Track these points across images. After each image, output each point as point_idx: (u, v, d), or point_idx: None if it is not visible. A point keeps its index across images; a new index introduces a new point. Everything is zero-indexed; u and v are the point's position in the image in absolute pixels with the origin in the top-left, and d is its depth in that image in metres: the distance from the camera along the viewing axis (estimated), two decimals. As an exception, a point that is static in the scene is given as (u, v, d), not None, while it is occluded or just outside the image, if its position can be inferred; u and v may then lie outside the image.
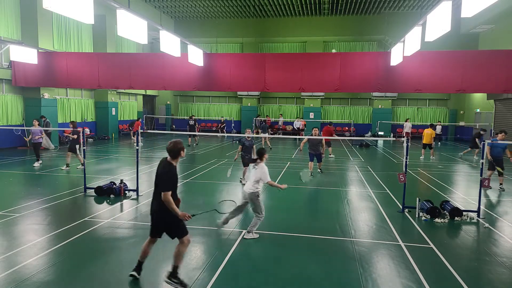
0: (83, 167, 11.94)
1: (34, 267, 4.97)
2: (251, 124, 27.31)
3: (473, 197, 9.23)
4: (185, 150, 4.66)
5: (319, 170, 12.68)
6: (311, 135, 12.48)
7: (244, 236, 6.20)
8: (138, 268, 4.71)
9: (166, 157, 4.55)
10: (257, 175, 6.10)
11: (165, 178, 4.37)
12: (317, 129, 12.51)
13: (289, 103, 31.40)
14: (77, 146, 12.62)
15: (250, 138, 10.65)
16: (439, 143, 22.97)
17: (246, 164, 10.41)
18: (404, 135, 23.25)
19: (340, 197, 9.29)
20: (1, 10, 16.93)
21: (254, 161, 6.33)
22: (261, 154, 6.32)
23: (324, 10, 26.15)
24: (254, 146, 10.62)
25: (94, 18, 8.12)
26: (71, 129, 12.55)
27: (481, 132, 16.52)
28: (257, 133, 18.45)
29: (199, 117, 31.24)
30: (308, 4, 24.82)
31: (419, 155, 17.37)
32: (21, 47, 15.63)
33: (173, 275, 4.51)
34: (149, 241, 4.73)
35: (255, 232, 6.27)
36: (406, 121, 24.99)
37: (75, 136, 12.44)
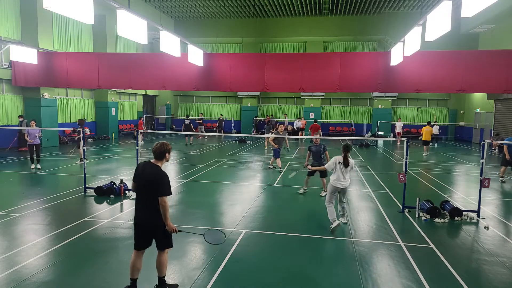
0: (82, 162, 12.89)
1: (34, 267, 4.97)
2: (251, 124, 27.41)
3: (473, 197, 9.23)
4: (171, 153, 4.44)
5: (271, 166, 13.17)
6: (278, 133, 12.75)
7: (341, 219, 6.97)
8: (133, 285, 4.26)
9: (150, 160, 4.33)
10: (350, 170, 6.79)
11: (164, 182, 4.10)
12: (282, 125, 13.06)
13: (289, 103, 31.40)
14: (81, 143, 13.12)
15: (318, 143, 9.44)
16: (436, 144, 22.93)
17: (312, 173, 9.33)
18: (396, 134, 23.75)
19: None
20: (1, 10, 16.94)
21: (345, 152, 6.75)
22: (347, 148, 6.71)
23: (324, 10, 26.14)
24: (327, 152, 9.46)
25: (94, 18, 8.12)
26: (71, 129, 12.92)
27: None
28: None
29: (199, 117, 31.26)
30: (308, 4, 24.82)
31: (417, 154, 17.37)
32: (21, 47, 15.62)
33: (162, 285, 4.35)
34: (137, 255, 4.29)
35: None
36: (398, 120, 25.25)
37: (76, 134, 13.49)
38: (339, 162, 6.71)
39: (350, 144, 6.85)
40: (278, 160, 12.66)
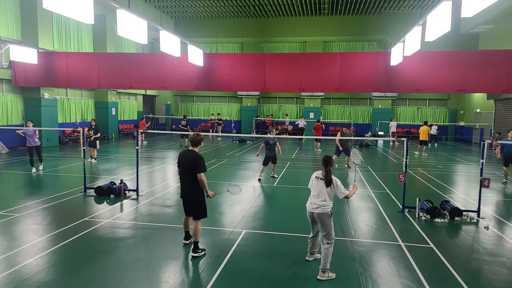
0: (94, 161, 13.98)
1: (34, 267, 4.97)
2: (252, 124, 27.41)
3: (473, 197, 9.23)
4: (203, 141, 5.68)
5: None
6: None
7: (318, 277, 4.82)
8: (187, 235, 5.87)
9: (188, 148, 5.56)
10: (331, 191, 4.97)
11: (200, 162, 5.29)
12: (346, 128, 13.53)
13: (289, 103, 31.40)
14: (97, 142, 14.51)
15: (273, 137, 11.13)
16: (436, 144, 22.93)
17: (266, 163, 11.24)
18: (390, 134, 23.84)
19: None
20: (1, 10, 16.93)
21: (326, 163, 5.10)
22: (329, 162, 5.07)
23: (324, 10, 26.14)
24: (278, 143, 11.19)
25: (94, 18, 8.11)
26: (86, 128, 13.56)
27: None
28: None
29: (199, 117, 31.30)
30: (308, 4, 24.82)
31: (416, 155, 17.37)
32: (21, 47, 15.63)
33: (196, 248, 5.42)
34: (187, 218, 5.80)
35: (331, 271, 4.92)
36: (391, 120, 25.33)
37: (91, 133, 14.40)
38: (316, 177, 5.09)
39: (331, 157, 5.16)
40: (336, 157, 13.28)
